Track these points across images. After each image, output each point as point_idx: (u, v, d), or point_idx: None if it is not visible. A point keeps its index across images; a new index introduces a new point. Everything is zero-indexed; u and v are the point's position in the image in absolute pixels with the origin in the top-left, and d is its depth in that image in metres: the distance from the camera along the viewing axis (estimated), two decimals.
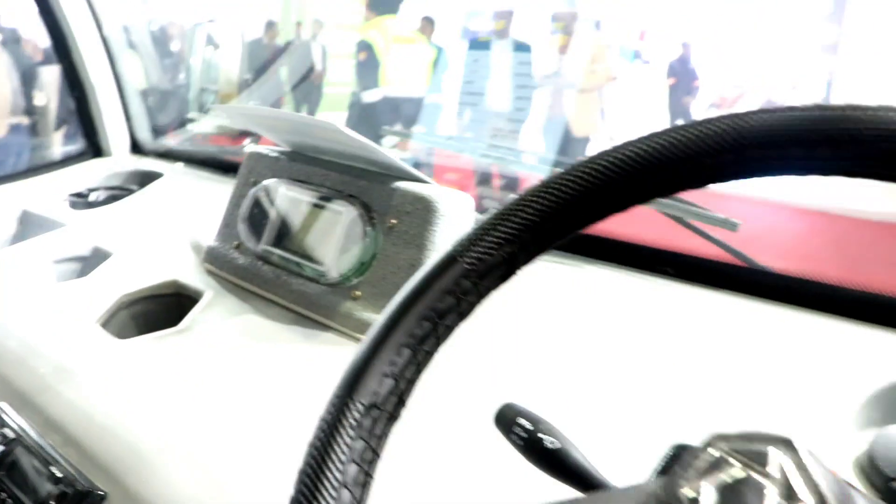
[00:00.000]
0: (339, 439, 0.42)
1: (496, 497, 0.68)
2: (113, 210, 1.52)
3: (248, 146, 1.18)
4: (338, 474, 0.41)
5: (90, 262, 1.33)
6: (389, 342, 0.44)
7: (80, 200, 1.59)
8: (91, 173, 1.77)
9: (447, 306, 0.45)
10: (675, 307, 0.97)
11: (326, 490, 0.40)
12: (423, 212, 0.97)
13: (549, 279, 1.08)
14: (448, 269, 0.45)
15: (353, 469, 0.41)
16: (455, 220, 0.98)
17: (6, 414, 0.92)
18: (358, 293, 0.99)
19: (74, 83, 1.83)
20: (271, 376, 0.90)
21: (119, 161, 1.85)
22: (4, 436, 0.89)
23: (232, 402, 0.86)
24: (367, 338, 0.43)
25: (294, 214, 1.09)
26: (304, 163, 1.11)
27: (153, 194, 1.59)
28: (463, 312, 0.45)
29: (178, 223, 1.41)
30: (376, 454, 0.42)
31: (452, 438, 0.76)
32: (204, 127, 2.18)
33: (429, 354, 0.45)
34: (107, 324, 1.09)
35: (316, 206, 1.06)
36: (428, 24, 5.41)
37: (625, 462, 0.58)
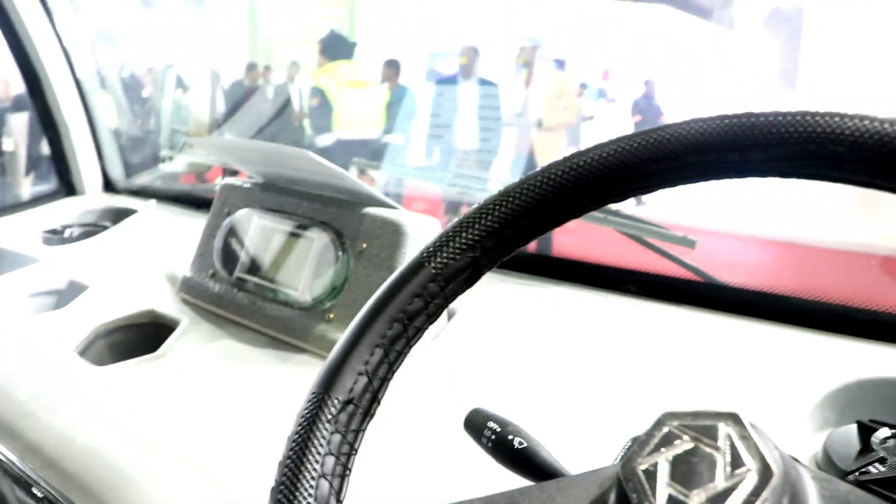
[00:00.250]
0: (316, 432, 0.45)
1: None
2: (88, 245, 1.54)
3: (221, 180, 1.21)
4: (316, 465, 0.43)
5: (66, 294, 1.34)
6: (363, 342, 0.47)
7: (55, 237, 1.61)
8: (64, 211, 1.78)
9: (416, 309, 0.47)
10: (636, 322, 1.01)
11: (306, 479, 0.42)
12: (392, 235, 1.00)
13: (517, 298, 1.12)
14: (416, 274, 0.47)
15: (330, 461, 0.44)
16: (423, 243, 1.01)
17: None
18: (331, 315, 1.02)
19: (48, 123, 1.85)
20: (248, 398, 0.92)
21: (92, 199, 1.87)
22: None
23: (210, 423, 0.88)
24: (342, 338, 0.46)
25: (267, 242, 1.12)
26: (277, 193, 1.14)
27: (128, 230, 1.61)
28: (431, 314, 0.48)
29: (153, 256, 1.43)
30: (353, 448, 0.45)
31: (425, 442, 0.78)
32: (175, 166, 2.20)
33: (400, 354, 0.48)
34: (84, 352, 1.11)
35: (289, 233, 1.09)
36: (390, 68, 5.32)
37: (588, 459, 0.61)
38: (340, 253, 1.03)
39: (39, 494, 0.81)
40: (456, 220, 0.49)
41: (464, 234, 0.48)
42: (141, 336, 1.18)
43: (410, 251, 1.00)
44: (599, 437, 0.74)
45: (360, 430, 0.47)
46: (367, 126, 4.95)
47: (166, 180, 1.98)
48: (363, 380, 0.47)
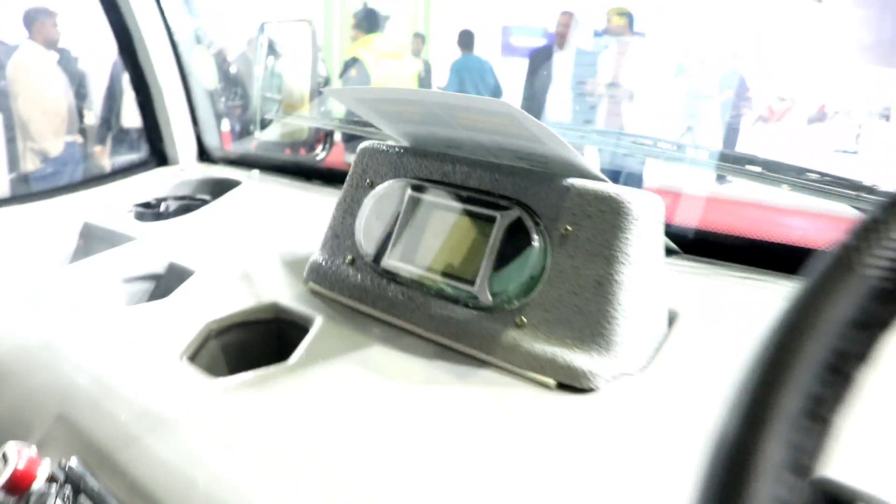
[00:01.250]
0: None
1: None
2: (187, 221, 1.30)
3: (361, 144, 0.94)
4: None
5: (167, 281, 1.10)
6: (779, 415, 0.29)
7: (148, 212, 1.37)
8: (157, 183, 1.55)
9: (856, 347, 0.30)
10: None
11: None
12: (609, 215, 0.73)
13: (742, 296, 0.83)
14: (846, 288, 0.30)
15: None
16: (648, 227, 0.74)
17: (79, 473, 0.69)
18: (523, 319, 0.75)
19: (140, 86, 1.62)
20: (412, 425, 0.67)
21: (187, 169, 1.63)
22: None
23: (360, 456, 0.62)
24: (739, 410, 0.30)
25: (429, 221, 0.85)
26: (438, 159, 0.87)
27: (231, 204, 1.36)
28: (872, 355, 0.30)
29: (267, 235, 1.18)
30: None
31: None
32: (270, 135, 1.95)
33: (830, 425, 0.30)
34: (195, 357, 0.86)
35: (459, 210, 0.82)
36: (418, 39, 6.15)
37: None
38: (535, 236, 0.76)
39: None
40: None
41: None
42: (263, 337, 0.93)
43: (634, 236, 0.72)
44: None
45: None
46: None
47: (268, 149, 1.73)
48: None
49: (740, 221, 0.92)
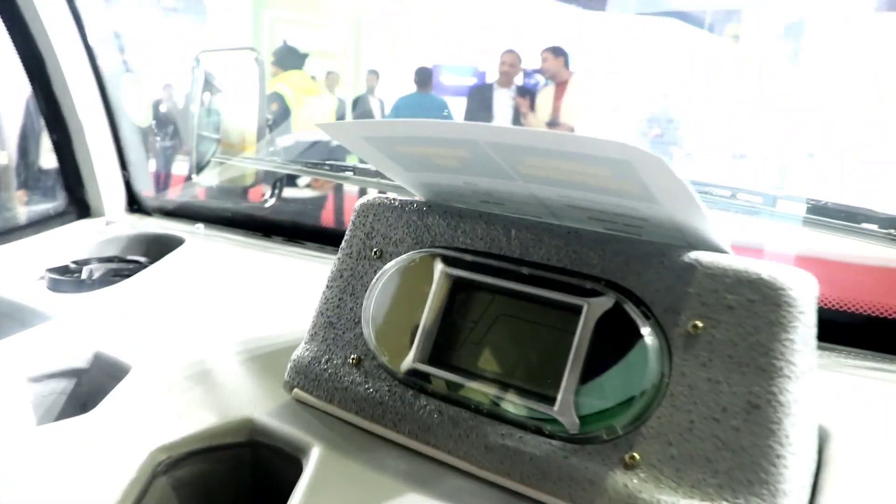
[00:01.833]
0: None
1: None
2: (118, 293, 1.01)
3: (361, 199, 0.69)
4: None
5: (91, 380, 0.82)
6: None
7: (66, 279, 1.08)
8: (77, 241, 1.25)
9: None
10: None
11: None
12: (763, 306, 0.49)
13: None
14: None
15: None
16: (810, 322, 0.51)
17: None
18: (634, 456, 0.51)
19: (55, 122, 1.32)
20: None
21: (115, 222, 1.34)
22: None
23: None
24: None
25: (476, 310, 0.60)
26: (478, 221, 0.63)
27: (175, 269, 1.08)
28: None
29: (227, 314, 0.90)
30: None
31: None
32: (208, 179, 1.67)
33: None
34: None
35: (523, 294, 0.58)
36: (332, 76, 6.46)
37: None
38: (646, 334, 0.52)
39: None
40: None
41: None
42: (232, 469, 0.66)
43: (801, 338, 0.49)
44: None
45: None
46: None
47: (212, 196, 1.46)
48: None
49: (861, 291, 0.70)
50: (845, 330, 0.72)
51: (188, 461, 0.64)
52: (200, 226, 1.24)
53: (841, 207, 0.71)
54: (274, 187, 1.59)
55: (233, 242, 1.18)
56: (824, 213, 0.72)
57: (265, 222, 1.20)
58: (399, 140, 0.60)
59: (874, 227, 0.71)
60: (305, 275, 1.02)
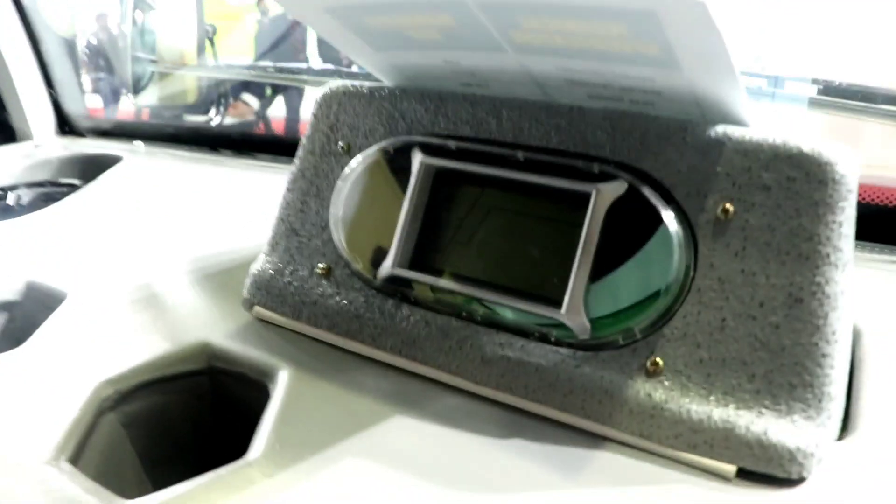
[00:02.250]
0: None
1: None
2: (49, 217, 0.90)
3: (325, 87, 0.59)
4: None
5: (24, 312, 0.72)
6: None
7: None
8: (2, 166, 1.13)
9: None
10: None
11: None
12: (805, 185, 0.42)
13: None
14: None
15: None
16: (854, 201, 0.43)
17: None
18: (657, 361, 0.43)
19: None
20: None
21: (44, 145, 1.21)
22: None
23: None
24: None
25: (464, 204, 0.51)
26: (461, 104, 0.54)
27: (111, 188, 0.97)
28: None
29: (172, 233, 0.80)
30: None
31: None
32: (146, 100, 1.54)
33: None
34: (80, 454, 0.50)
35: (519, 183, 0.49)
36: None
37: None
38: (669, 220, 0.44)
39: None
40: None
41: None
42: (189, 402, 0.57)
43: (848, 220, 0.42)
44: None
45: None
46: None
47: (153, 114, 1.33)
48: None
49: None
50: (864, 222, 0.66)
51: (138, 394, 0.55)
52: (140, 143, 1.12)
53: (856, 87, 0.64)
54: (218, 104, 1.47)
55: (177, 158, 1.06)
56: (839, 94, 0.64)
57: (212, 136, 1.08)
58: (370, 7, 0.50)
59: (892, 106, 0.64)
60: (261, 187, 0.92)
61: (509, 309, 0.48)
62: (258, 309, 0.59)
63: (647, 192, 0.45)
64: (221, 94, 1.45)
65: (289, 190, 0.60)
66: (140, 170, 1.02)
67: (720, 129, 0.45)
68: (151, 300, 0.64)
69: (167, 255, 0.73)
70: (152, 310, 0.62)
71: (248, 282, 0.61)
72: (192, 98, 1.52)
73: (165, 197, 0.93)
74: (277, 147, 0.98)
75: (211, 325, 0.59)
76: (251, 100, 2.55)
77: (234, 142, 1.06)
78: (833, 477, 0.40)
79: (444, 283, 0.50)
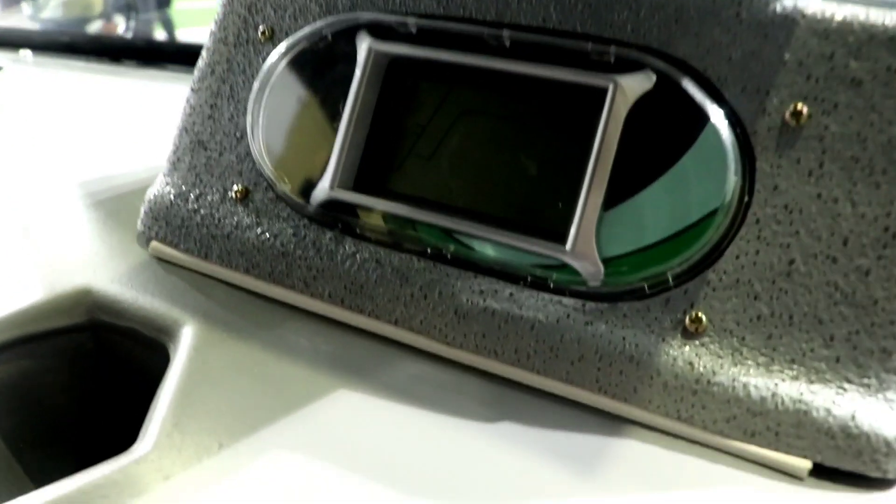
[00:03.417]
0: None
1: None
2: None
3: None
4: None
5: None
6: None
7: None
8: None
9: None
10: None
11: None
12: None
13: None
14: None
15: None
16: None
17: None
18: (700, 317, 0.30)
19: None
20: None
21: None
22: None
23: None
24: None
25: (426, 106, 0.37)
26: None
27: None
28: None
29: (56, 154, 0.63)
30: None
31: None
32: (48, 12, 1.32)
33: None
34: None
35: (500, 77, 0.35)
36: None
37: None
38: (717, 129, 0.30)
39: None
40: None
41: None
42: (68, 367, 0.42)
43: None
44: None
45: None
46: None
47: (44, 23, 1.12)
48: None
49: None
50: None
51: (2, 357, 0.40)
52: (27, 52, 0.92)
53: None
54: (128, 18, 1.26)
55: (71, 69, 0.87)
56: None
57: (113, 45, 0.89)
58: None
59: None
60: (169, 101, 0.75)
61: (491, 244, 0.34)
62: (156, 245, 0.44)
63: (687, 87, 0.31)
64: (130, 5, 1.24)
65: (194, 91, 0.45)
66: (23, 81, 0.83)
67: (789, 1, 0.31)
68: (19, 235, 0.48)
69: (45, 179, 0.56)
70: (19, 247, 0.46)
71: (143, 210, 0.45)
72: (97, 10, 1.31)
73: (51, 112, 0.74)
74: (192, 58, 0.80)
75: (94, 267, 0.44)
76: None
77: (139, 51, 0.87)
78: None
79: (402, 209, 0.36)
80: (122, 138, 0.63)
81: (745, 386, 0.30)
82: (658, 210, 0.32)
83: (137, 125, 0.64)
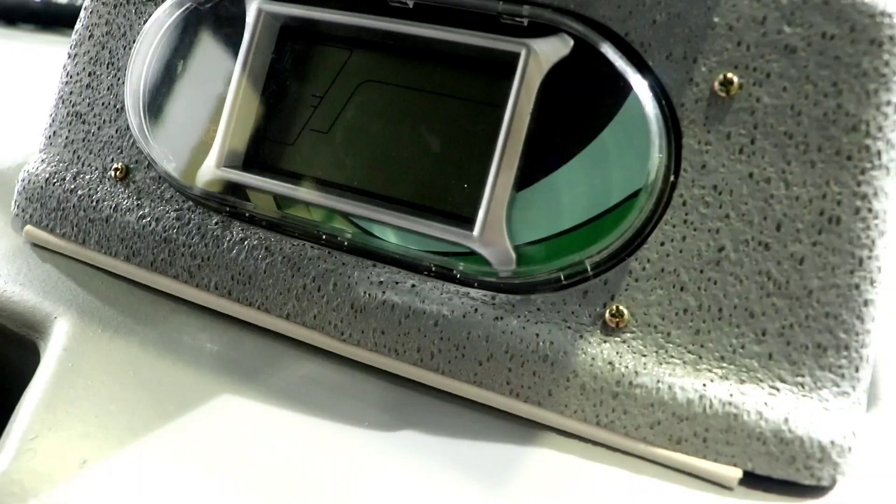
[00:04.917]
0: None
1: None
2: None
3: None
4: None
5: None
6: None
7: None
8: None
9: None
10: None
11: None
12: (847, 45, 0.25)
13: None
14: None
15: None
16: None
17: None
18: (620, 310, 0.26)
19: None
20: None
21: None
22: None
23: None
24: None
25: (322, 75, 0.31)
26: None
27: None
28: None
29: None
30: None
31: None
32: None
33: None
34: None
35: (403, 41, 0.29)
36: None
37: None
38: (639, 101, 0.26)
39: None
40: None
41: None
42: None
43: None
44: None
45: None
46: None
47: None
48: None
49: None
50: None
51: None
52: None
53: None
54: None
55: None
56: None
57: (7, 6, 0.79)
58: None
59: None
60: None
61: (392, 229, 0.29)
62: (30, 229, 0.37)
63: (607, 53, 0.26)
64: None
65: (71, 57, 0.38)
66: None
67: None
68: None
69: None
70: None
71: (16, 190, 0.38)
72: None
73: None
74: None
75: None
76: None
77: (38, 14, 0.77)
78: (873, 472, 0.25)
79: (295, 190, 0.30)
80: (9, 110, 0.55)
81: (670, 387, 0.25)
82: (575, 191, 0.27)
83: (28, 95, 0.57)
